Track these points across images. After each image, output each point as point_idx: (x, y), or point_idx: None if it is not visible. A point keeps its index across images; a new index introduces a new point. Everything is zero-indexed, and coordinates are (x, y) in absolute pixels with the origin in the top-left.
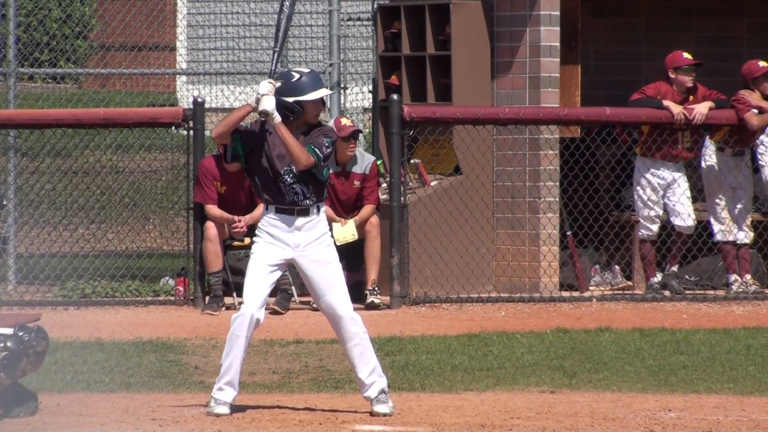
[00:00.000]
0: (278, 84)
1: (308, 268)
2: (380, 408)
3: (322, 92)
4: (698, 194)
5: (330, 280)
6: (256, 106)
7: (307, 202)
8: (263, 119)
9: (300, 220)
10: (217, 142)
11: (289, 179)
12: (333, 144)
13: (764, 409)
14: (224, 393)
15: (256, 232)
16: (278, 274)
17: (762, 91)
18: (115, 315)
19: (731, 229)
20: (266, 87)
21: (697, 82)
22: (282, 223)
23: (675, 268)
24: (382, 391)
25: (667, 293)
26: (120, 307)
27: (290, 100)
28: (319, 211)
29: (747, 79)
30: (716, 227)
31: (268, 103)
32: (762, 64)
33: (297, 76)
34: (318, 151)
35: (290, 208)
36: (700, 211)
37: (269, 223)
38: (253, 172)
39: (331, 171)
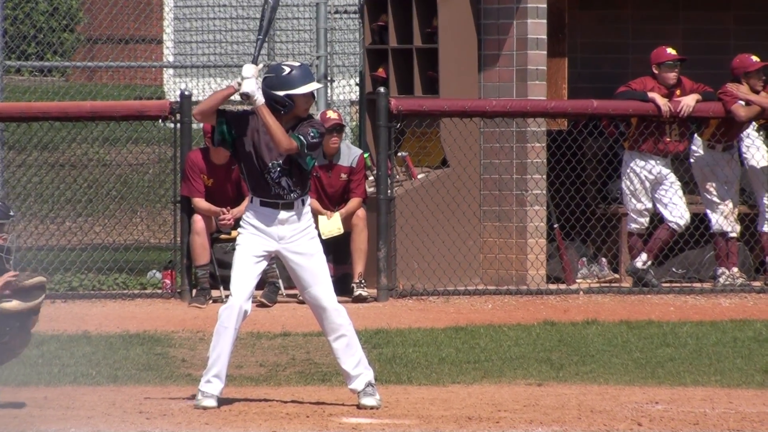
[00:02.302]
0: (267, 75)
1: (292, 260)
2: (367, 401)
3: (312, 86)
4: (685, 187)
5: (314, 272)
6: (239, 88)
7: (292, 195)
8: (245, 101)
9: (284, 214)
10: (198, 120)
11: (275, 173)
12: (320, 135)
13: (751, 401)
14: (211, 385)
15: (241, 223)
16: (264, 264)
17: (752, 86)
18: (102, 308)
19: (729, 220)
20: (250, 70)
21: (684, 75)
22: (266, 216)
23: (650, 262)
24: (369, 384)
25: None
26: (107, 300)
27: (281, 93)
28: (303, 204)
29: (738, 73)
30: (713, 218)
31: (249, 85)
32: (755, 59)
33: (288, 69)
34: (302, 138)
35: (275, 202)
36: (689, 204)
37: (253, 215)
38: (240, 159)
39: (316, 162)
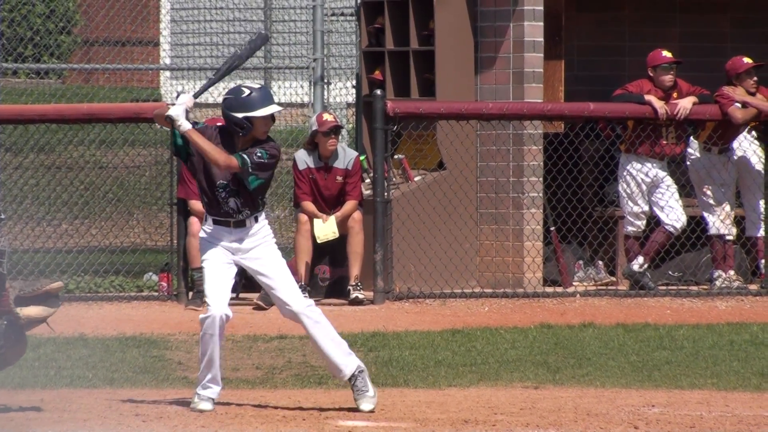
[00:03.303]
0: (226, 96)
1: (251, 269)
2: (365, 405)
3: (271, 108)
4: (681, 189)
5: (273, 275)
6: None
7: (241, 216)
8: (170, 122)
9: (236, 232)
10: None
11: (223, 193)
12: (271, 157)
13: (747, 404)
14: (210, 390)
15: (200, 241)
16: (234, 270)
17: (745, 87)
18: (98, 310)
19: (725, 223)
20: (184, 98)
21: (680, 77)
22: (219, 232)
23: (646, 265)
24: (360, 369)
25: (648, 282)
26: (103, 303)
27: (239, 115)
28: (257, 220)
29: (731, 75)
30: (710, 221)
31: (175, 110)
32: (746, 60)
33: (247, 92)
34: (246, 157)
35: (226, 220)
36: (685, 206)
37: (208, 233)
38: (194, 175)
39: (260, 182)
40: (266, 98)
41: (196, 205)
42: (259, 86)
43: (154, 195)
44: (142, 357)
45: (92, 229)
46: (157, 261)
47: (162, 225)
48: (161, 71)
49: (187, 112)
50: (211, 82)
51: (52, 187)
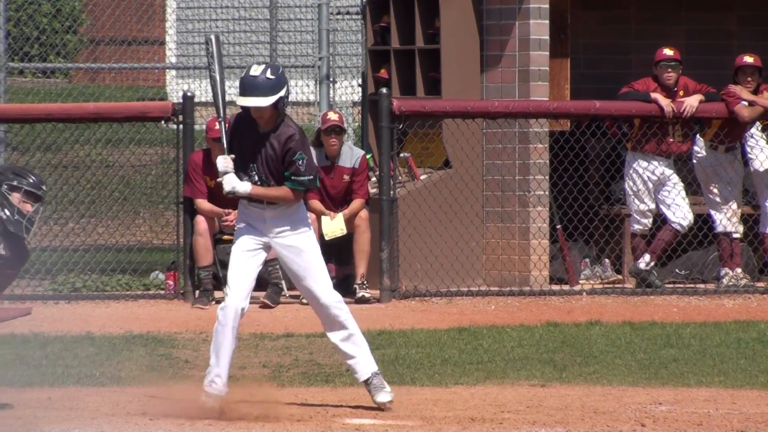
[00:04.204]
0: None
1: (283, 254)
2: (382, 397)
3: (241, 101)
4: (688, 187)
5: (305, 266)
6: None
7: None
8: (232, 197)
9: (270, 212)
10: None
11: (255, 178)
12: (307, 152)
13: (755, 402)
14: (214, 386)
15: (236, 219)
16: (261, 256)
17: (742, 84)
18: (105, 309)
19: (732, 221)
20: (222, 163)
21: (686, 75)
22: (254, 213)
23: (653, 263)
24: (375, 374)
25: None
26: (110, 301)
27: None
28: None
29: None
30: (717, 219)
31: (226, 184)
32: (746, 58)
33: (244, 73)
34: (299, 180)
35: (259, 200)
36: (692, 204)
37: (243, 211)
38: None
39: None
40: (245, 88)
41: (203, 204)
42: (255, 71)
43: (160, 194)
44: (149, 355)
45: (99, 227)
46: (163, 260)
47: (168, 224)
48: (167, 70)
49: (235, 173)
50: (222, 119)
51: (59, 185)
